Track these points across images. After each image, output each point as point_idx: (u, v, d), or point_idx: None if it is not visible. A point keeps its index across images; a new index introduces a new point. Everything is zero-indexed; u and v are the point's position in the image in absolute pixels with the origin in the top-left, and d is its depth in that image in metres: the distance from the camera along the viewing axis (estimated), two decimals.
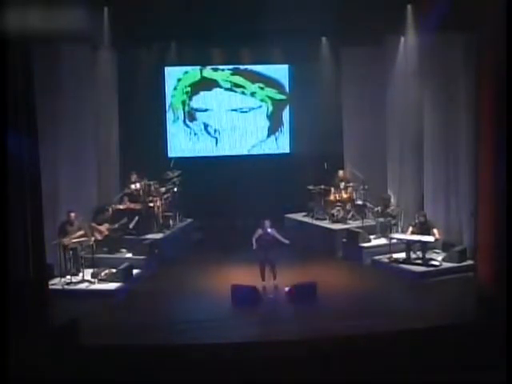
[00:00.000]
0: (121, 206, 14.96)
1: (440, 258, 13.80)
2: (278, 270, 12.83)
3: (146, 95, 17.00)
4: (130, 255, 14.10)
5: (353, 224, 15.66)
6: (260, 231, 12.72)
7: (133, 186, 15.57)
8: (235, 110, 18.10)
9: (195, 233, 16.79)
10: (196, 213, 16.77)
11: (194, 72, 17.87)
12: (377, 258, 14.25)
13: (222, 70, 17.88)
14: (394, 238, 14.09)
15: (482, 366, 9.23)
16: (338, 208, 15.94)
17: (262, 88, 18.11)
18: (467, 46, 13.19)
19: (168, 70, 17.74)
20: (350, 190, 16.20)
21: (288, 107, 18.26)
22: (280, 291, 12.43)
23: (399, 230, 14.92)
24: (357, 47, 15.92)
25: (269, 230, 12.70)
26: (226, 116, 18.08)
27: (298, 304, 11.87)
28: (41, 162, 10.05)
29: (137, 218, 14.69)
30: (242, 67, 17.92)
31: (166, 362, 9.32)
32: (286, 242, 12.79)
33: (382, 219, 15.15)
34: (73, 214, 13.12)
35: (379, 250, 14.41)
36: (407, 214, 15.00)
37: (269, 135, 18.31)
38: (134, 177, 15.70)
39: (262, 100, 18.17)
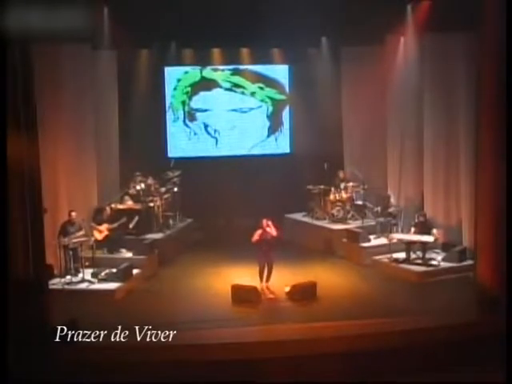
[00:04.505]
0: (121, 206, 14.94)
1: (440, 258, 13.80)
2: (279, 270, 12.82)
3: (146, 95, 16.96)
4: (130, 255, 14.10)
5: (353, 224, 15.68)
6: (259, 231, 12.66)
7: (138, 187, 15.56)
8: (235, 110, 18.07)
9: (195, 233, 16.80)
10: (196, 213, 16.78)
11: (193, 72, 17.84)
12: (377, 257, 14.25)
13: (222, 70, 17.86)
14: (394, 238, 14.10)
15: (482, 366, 9.25)
16: (337, 208, 15.94)
17: (261, 88, 18.09)
18: (467, 46, 13.18)
19: (168, 70, 17.72)
20: (349, 190, 16.20)
21: (288, 107, 18.25)
22: (280, 291, 12.41)
23: (399, 230, 14.91)
24: (357, 47, 15.90)
25: (267, 229, 12.65)
26: (226, 116, 18.05)
27: (298, 304, 11.86)
28: (41, 161, 10.06)
29: (137, 217, 14.68)
30: (241, 67, 17.88)
31: (166, 361, 9.32)
32: (274, 234, 12.56)
33: (382, 219, 15.16)
34: (74, 214, 13.11)
35: (379, 250, 14.41)
36: (407, 214, 15.00)
37: (269, 135, 18.30)
38: (139, 177, 15.71)
39: (261, 100, 18.16)
